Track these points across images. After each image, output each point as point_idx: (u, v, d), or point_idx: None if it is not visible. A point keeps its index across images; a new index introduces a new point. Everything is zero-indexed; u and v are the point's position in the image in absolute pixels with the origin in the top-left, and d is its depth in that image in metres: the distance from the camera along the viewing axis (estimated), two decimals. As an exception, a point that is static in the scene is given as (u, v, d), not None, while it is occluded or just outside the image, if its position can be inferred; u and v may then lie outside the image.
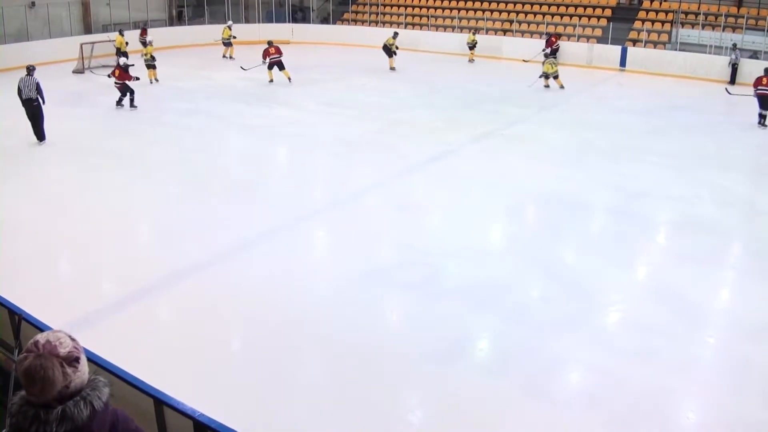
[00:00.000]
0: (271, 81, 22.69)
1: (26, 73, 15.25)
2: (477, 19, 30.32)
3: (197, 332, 7.65)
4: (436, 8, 32.43)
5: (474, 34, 28.26)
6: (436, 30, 31.16)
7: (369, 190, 12.58)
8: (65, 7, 28.98)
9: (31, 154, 14.64)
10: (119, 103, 18.68)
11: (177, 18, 33.72)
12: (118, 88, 18.59)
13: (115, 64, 21.60)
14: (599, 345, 7.24)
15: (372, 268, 9.06)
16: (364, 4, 33.88)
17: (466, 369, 6.87)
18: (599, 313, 8.09)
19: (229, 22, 29.37)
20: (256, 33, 32.34)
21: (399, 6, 33.18)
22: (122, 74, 18.52)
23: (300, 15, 34.61)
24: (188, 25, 33.06)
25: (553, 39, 26.82)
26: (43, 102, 15.18)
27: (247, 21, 33.49)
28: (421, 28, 31.54)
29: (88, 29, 29.14)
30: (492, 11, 30.74)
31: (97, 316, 7.93)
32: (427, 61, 27.91)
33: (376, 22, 32.79)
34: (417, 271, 9.02)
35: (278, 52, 22.54)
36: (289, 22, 33.48)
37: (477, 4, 31.54)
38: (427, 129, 16.69)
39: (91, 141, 15.81)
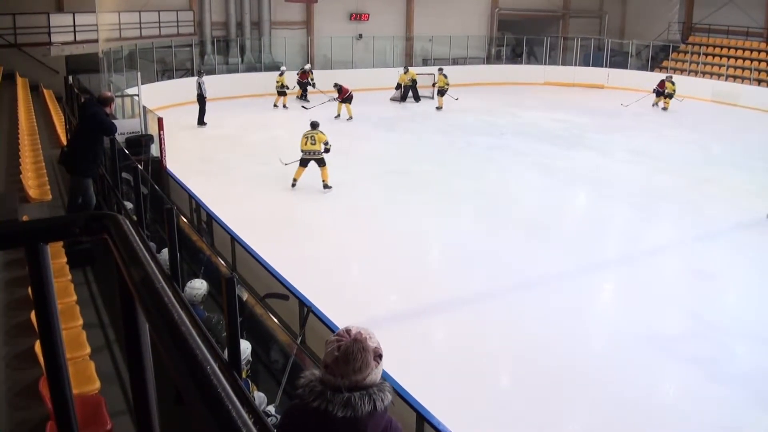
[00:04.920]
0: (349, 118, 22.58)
1: (199, 76, 20.98)
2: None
3: (466, 360, 7.89)
4: (760, 61, 29.90)
5: None
6: (758, 84, 28.64)
7: (666, 248, 12.01)
8: (390, 40, 31.45)
9: (339, 172, 15.92)
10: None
11: (495, 56, 34.68)
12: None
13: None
14: None
15: (656, 333, 8.66)
16: (686, 52, 32.33)
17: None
18: None
19: (283, 68, 25.58)
20: (571, 76, 32.32)
21: (721, 56, 31.18)
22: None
23: (618, 60, 33.87)
24: (504, 64, 33.86)
25: None
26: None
27: (563, 63, 33.52)
28: (742, 81, 29.31)
29: (409, 62, 31.09)
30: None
31: (377, 323, 8.48)
32: (748, 118, 25.80)
33: (696, 72, 31.09)
34: (703, 346, 8.40)
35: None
36: (606, 66, 32.92)
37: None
38: (738, 192, 15.41)
39: (398, 164, 16.99)
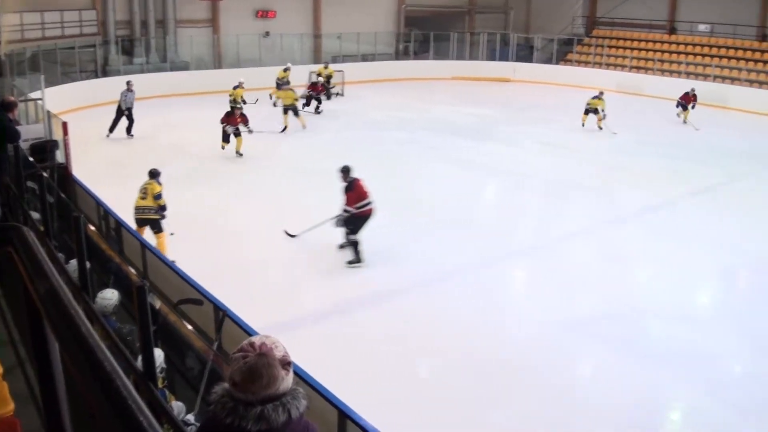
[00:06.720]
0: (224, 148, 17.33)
1: (127, 89, 18.96)
2: (704, 65, 28.79)
3: (388, 354, 7.96)
4: (662, 52, 31.17)
5: None
6: (662, 75, 29.84)
7: (577, 235, 12.36)
8: (298, 38, 31.35)
9: (252, 173, 15.87)
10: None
11: (403, 52, 34.95)
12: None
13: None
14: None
15: (572, 317, 8.93)
16: (589, 45, 33.30)
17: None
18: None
19: (241, 80, 21.59)
20: (478, 70, 32.82)
21: (625, 48, 32.29)
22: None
23: (524, 54, 34.59)
24: (413, 59, 34.18)
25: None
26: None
27: (471, 58, 34.06)
28: (646, 72, 30.43)
29: (317, 59, 31.04)
30: (721, 57, 29.02)
31: (295, 324, 8.48)
32: (652, 107, 26.64)
33: (600, 64, 32.06)
34: (618, 327, 8.74)
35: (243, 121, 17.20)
36: (512, 60, 33.60)
37: (706, 49, 29.84)
38: (646, 178, 16.02)
39: (310, 162, 16.79)
